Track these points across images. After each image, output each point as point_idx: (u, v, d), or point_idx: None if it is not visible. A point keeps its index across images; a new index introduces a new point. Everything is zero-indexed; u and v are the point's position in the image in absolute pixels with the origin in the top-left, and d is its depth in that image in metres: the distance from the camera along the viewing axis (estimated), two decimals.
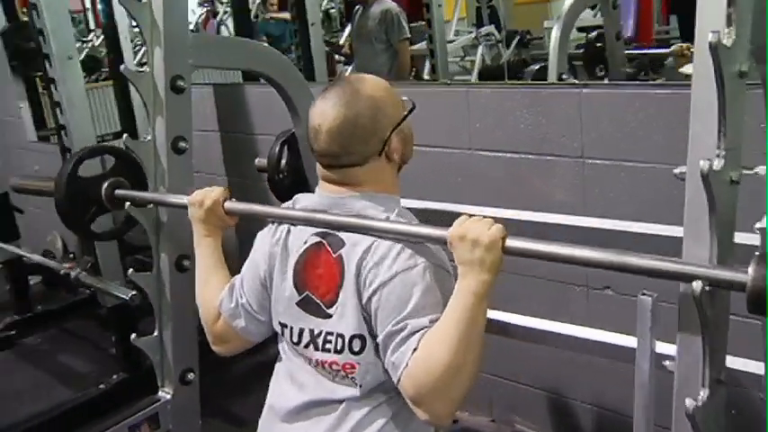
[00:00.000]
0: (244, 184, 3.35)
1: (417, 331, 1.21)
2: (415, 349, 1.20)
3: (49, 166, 2.99)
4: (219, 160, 3.56)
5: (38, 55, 2.83)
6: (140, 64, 4.19)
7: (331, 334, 1.32)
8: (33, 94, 4.25)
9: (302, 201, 1.45)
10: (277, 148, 2.22)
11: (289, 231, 1.40)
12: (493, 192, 2.45)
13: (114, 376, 3.01)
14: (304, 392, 1.38)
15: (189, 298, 1.76)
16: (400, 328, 1.22)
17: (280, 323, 1.41)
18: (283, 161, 2.23)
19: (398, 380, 1.23)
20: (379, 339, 1.26)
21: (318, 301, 1.33)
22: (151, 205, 2.02)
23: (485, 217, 1.23)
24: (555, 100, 2.32)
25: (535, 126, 2.35)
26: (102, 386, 2.96)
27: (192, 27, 8.62)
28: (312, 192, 1.46)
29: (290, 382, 1.41)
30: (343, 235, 1.32)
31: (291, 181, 2.24)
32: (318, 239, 1.35)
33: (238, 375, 2.94)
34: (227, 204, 1.56)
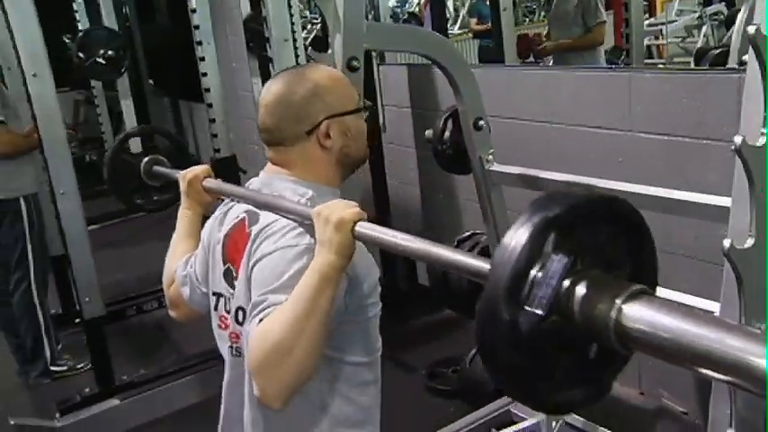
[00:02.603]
0: (426, 155, 3.67)
1: (272, 306, 1.19)
2: (261, 320, 1.19)
3: None
4: (410, 134, 3.92)
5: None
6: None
7: (236, 307, 1.38)
8: (265, 72, 4.89)
9: (253, 182, 1.49)
10: (441, 122, 2.50)
11: (231, 208, 1.47)
12: (649, 172, 2.53)
13: None
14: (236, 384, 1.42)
15: None
16: (261, 300, 1.21)
17: (215, 293, 1.45)
18: (447, 134, 2.50)
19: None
20: (248, 310, 1.27)
21: (234, 274, 1.38)
22: None
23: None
24: (714, 86, 2.37)
25: (693, 110, 2.41)
26: None
27: (413, 9, 9.18)
28: None
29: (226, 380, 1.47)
30: (262, 213, 1.36)
31: (453, 152, 2.51)
32: (244, 215, 1.40)
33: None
34: (206, 181, 1.65)
